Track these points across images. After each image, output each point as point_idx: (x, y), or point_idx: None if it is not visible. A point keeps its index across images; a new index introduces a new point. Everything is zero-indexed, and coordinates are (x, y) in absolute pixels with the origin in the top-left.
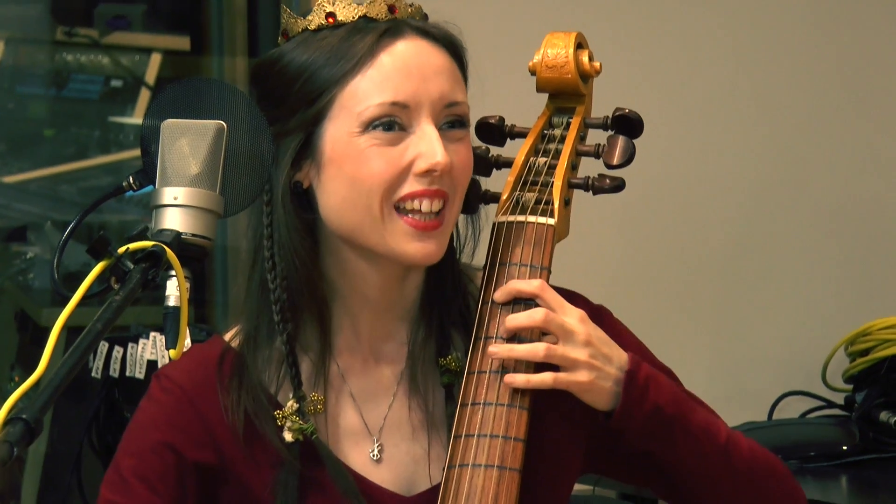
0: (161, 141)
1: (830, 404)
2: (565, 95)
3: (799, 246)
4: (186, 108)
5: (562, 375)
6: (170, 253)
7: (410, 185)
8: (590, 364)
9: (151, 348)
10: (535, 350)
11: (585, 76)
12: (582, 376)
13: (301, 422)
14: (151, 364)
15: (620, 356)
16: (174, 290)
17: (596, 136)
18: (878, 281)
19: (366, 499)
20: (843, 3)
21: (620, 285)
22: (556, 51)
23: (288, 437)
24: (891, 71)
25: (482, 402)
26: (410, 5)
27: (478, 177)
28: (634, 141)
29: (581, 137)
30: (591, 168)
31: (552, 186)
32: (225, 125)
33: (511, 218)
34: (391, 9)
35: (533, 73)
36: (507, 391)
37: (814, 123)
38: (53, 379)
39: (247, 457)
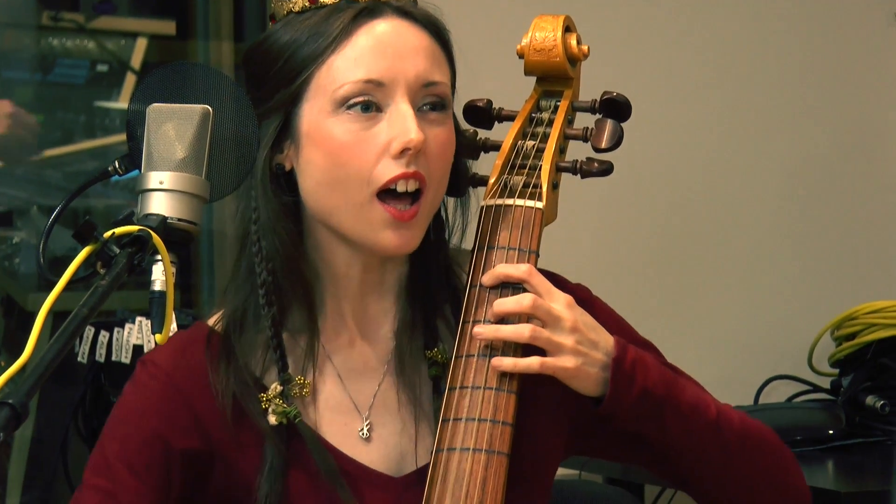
0: (147, 125)
1: (817, 388)
2: (553, 79)
3: (785, 230)
4: (172, 92)
5: (548, 360)
6: (156, 237)
7: (388, 170)
8: (576, 350)
9: (137, 333)
10: (520, 331)
11: (573, 59)
12: (568, 362)
13: (284, 405)
14: (137, 349)
15: (607, 341)
16: (160, 275)
17: (584, 120)
18: (865, 265)
19: (354, 479)
20: None
21: (607, 269)
22: (544, 34)
23: (272, 420)
24: (873, 49)
25: (470, 385)
26: None
27: (466, 160)
28: (622, 124)
29: (569, 121)
30: (579, 151)
31: (540, 170)
32: (211, 109)
33: (499, 201)
34: None
35: (521, 56)
36: (496, 375)
37: (801, 108)
38: (39, 364)
39: (233, 439)
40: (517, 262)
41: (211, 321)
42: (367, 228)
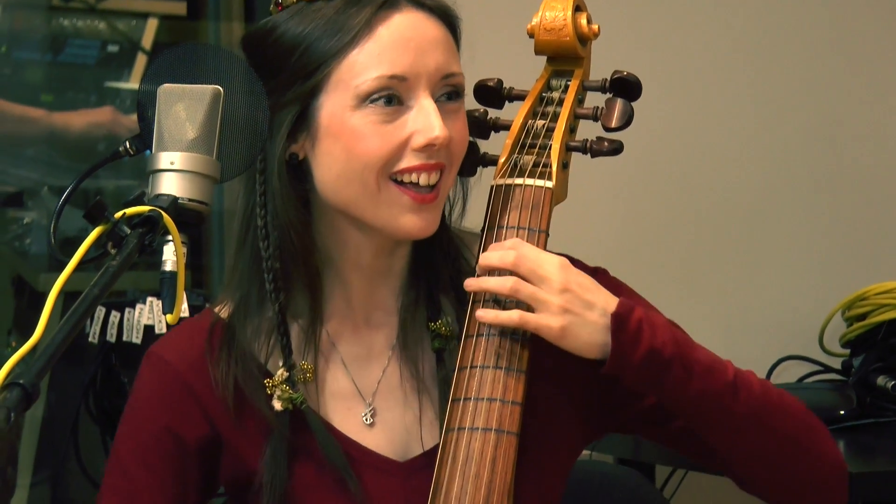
0: (157, 106)
1: (828, 369)
2: (563, 58)
3: (796, 210)
4: (183, 72)
5: (530, 316)
6: (166, 218)
7: (408, 160)
8: (564, 308)
9: (148, 313)
10: (503, 283)
11: (583, 39)
12: (553, 321)
13: (290, 391)
14: (148, 329)
15: (607, 302)
16: (171, 255)
17: (594, 99)
18: (876, 245)
19: (359, 464)
20: None
21: (617, 249)
22: (555, 13)
23: (277, 405)
24: (885, 33)
25: (479, 365)
26: None
27: (476, 139)
28: (633, 104)
29: (579, 100)
30: (589, 131)
31: (550, 149)
32: (221, 90)
33: (509, 181)
34: None
35: (531, 35)
36: (504, 355)
37: (811, 88)
38: (50, 344)
39: (238, 428)
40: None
41: (218, 308)
42: (389, 214)
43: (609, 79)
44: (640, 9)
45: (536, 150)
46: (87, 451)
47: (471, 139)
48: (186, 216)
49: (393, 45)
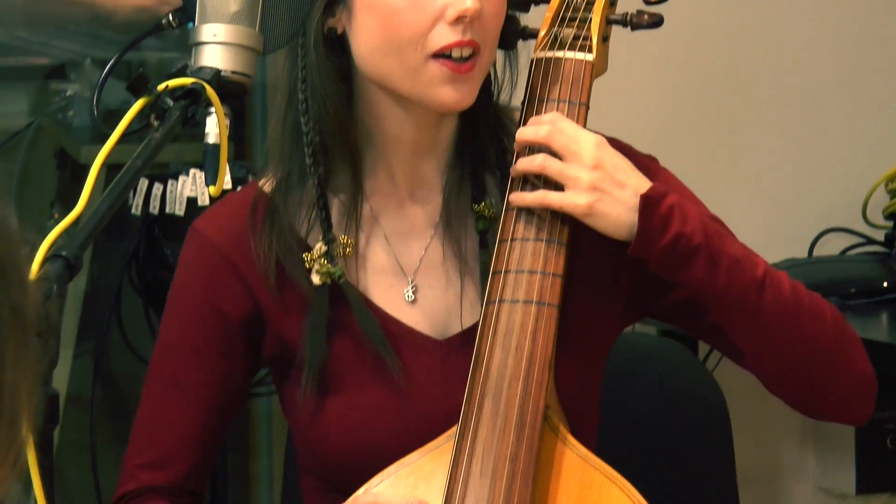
0: None
1: (870, 241)
2: None
3: (840, 82)
4: None
5: (554, 195)
6: (209, 90)
7: (443, 37)
8: (592, 186)
9: (191, 185)
10: (531, 161)
11: None
12: (580, 198)
13: (329, 265)
14: (191, 201)
15: (640, 184)
16: (213, 128)
17: None
18: None
19: (398, 341)
20: None
21: (658, 122)
22: None
23: (316, 279)
24: None
25: (520, 237)
26: None
27: (516, 13)
28: None
29: None
30: (629, 4)
31: (590, 22)
32: None
33: (549, 54)
34: None
35: None
36: (545, 227)
37: None
38: (93, 216)
39: (279, 303)
40: (567, 115)
41: (262, 182)
42: (425, 87)
43: None
44: None
45: (577, 23)
46: (129, 323)
47: (510, 12)
48: (229, 88)
49: None
